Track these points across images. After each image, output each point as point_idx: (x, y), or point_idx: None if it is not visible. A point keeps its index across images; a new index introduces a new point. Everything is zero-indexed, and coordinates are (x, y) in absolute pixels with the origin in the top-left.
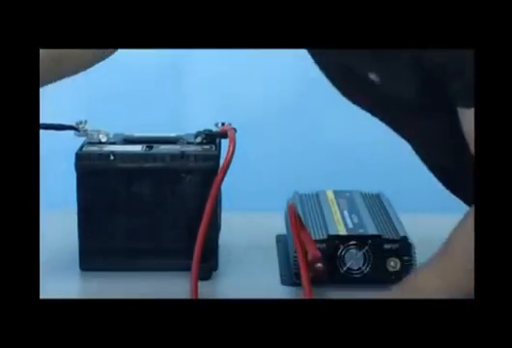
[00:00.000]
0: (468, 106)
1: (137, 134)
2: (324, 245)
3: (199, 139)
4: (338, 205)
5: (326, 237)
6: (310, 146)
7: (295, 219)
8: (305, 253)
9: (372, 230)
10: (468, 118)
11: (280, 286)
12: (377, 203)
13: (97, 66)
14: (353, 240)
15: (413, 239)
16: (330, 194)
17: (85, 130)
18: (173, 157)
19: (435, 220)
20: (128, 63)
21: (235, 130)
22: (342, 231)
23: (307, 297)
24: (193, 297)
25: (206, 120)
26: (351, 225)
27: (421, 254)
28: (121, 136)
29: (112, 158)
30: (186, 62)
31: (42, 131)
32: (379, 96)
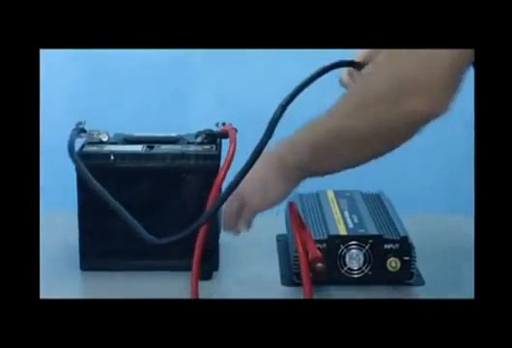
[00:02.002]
0: None
1: (138, 134)
2: (324, 245)
3: (200, 139)
4: (339, 205)
5: (326, 237)
6: None
7: (295, 218)
8: (306, 252)
9: (372, 230)
10: None
11: (280, 286)
12: (377, 203)
13: (97, 66)
14: (353, 240)
15: (413, 239)
16: (331, 194)
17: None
18: (173, 157)
19: (435, 220)
20: (129, 62)
21: (235, 130)
22: (342, 231)
23: (308, 296)
24: (193, 297)
25: (207, 120)
26: (351, 225)
27: (421, 254)
28: (121, 136)
29: (112, 158)
30: (187, 61)
31: (42, 131)
32: None
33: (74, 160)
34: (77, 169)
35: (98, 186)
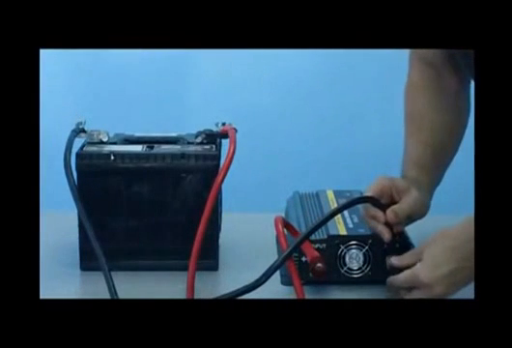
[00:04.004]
0: None
1: (138, 134)
2: (324, 244)
3: (199, 139)
4: (338, 205)
5: (326, 237)
6: (311, 146)
7: (282, 233)
8: (295, 264)
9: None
10: None
11: (280, 286)
12: None
13: (98, 66)
14: (353, 240)
15: (413, 239)
16: (331, 194)
17: None
18: (173, 157)
19: (435, 221)
20: (129, 62)
21: (235, 130)
22: (342, 231)
23: (300, 296)
24: (189, 297)
25: (206, 119)
26: (351, 225)
27: None
28: (121, 136)
29: (112, 158)
30: (187, 61)
31: (42, 130)
32: None
33: (66, 166)
34: (68, 179)
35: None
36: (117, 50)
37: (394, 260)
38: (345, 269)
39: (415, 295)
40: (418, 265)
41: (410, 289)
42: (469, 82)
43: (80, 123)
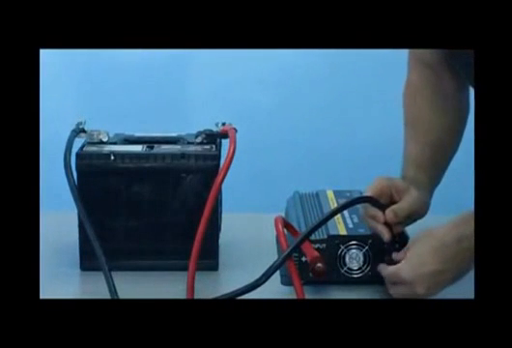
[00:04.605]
0: None
1: (138, 134)
2: (324, 245)
3: (199, 139)
4: (338, 205)
5: (326, 237)
6: (311, 145)
7: (283, 233)
8: (295, 264)
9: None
10: None
11: (280, 286)
12: None
13: (97, 65)
14: (353, 240)
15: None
16: (331, 194)
17: None
18: (173, 157)
19: (435, 220)
20: (128, 62)
21: (235, 130)
22: (342, 231)
23: (300, 296)
24: (189, 297)
25: (207, 119)
26: (351, 225)
27: None
28: (121, 136)
29: (112, 158)
30: (187, 61)
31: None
32: None
33: (66, 166)
34: (68, 179)
35: (80, 206)
36: (117, 50)
37: (395, 255)
38: (345, 269)
39: (398, 290)
40: (403, 262)
41: (394, 283)
42: (468, 83)
43: (80, 123)
